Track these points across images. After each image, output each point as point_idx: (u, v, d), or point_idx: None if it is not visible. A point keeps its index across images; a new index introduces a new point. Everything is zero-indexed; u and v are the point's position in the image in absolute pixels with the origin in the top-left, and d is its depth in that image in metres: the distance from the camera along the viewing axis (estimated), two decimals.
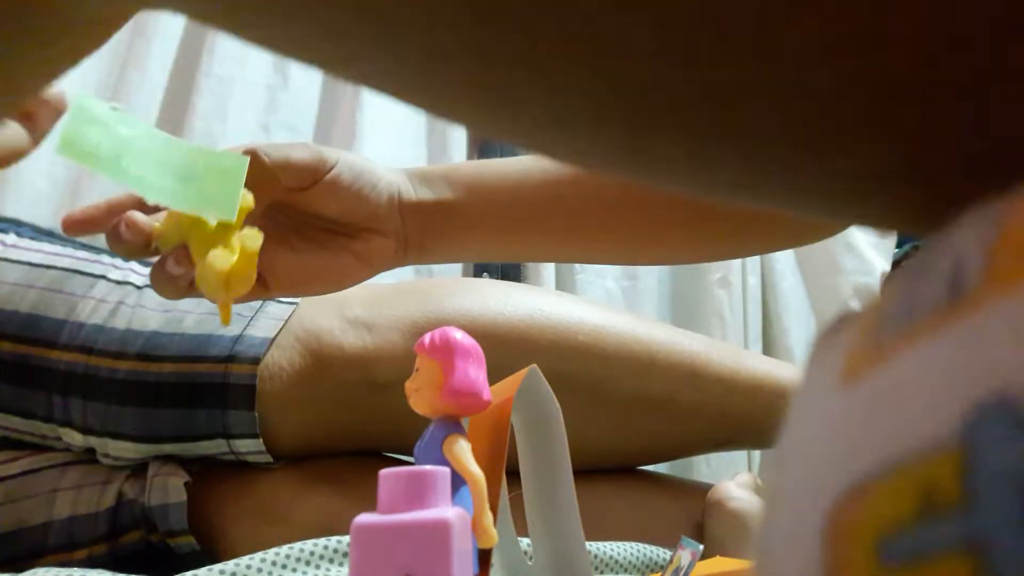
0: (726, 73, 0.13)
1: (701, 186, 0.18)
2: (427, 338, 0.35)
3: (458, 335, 0.35)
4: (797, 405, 0.14)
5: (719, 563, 0.50)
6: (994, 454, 0.09)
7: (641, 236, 0.59)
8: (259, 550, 0.53)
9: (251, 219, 0.47)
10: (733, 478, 0.79)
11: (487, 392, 0.35)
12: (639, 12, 0.13)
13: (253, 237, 0.45)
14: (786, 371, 0.84)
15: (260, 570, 0.52)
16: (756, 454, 1.17)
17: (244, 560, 0.52)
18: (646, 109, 0.15)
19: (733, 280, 1.25)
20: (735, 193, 0.18)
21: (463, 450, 0.34)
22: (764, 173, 0.16)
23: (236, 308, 0.73)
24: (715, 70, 0.13)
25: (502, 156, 0.66)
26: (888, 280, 0.14)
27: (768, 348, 1.27)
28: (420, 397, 0.35)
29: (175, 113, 1.13)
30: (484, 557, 0.34)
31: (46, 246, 0.76)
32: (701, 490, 0.80)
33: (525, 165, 0.58)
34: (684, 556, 0.39)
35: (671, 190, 0.18)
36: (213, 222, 0.43)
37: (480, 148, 1.20)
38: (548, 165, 0.56)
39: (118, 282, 0.74)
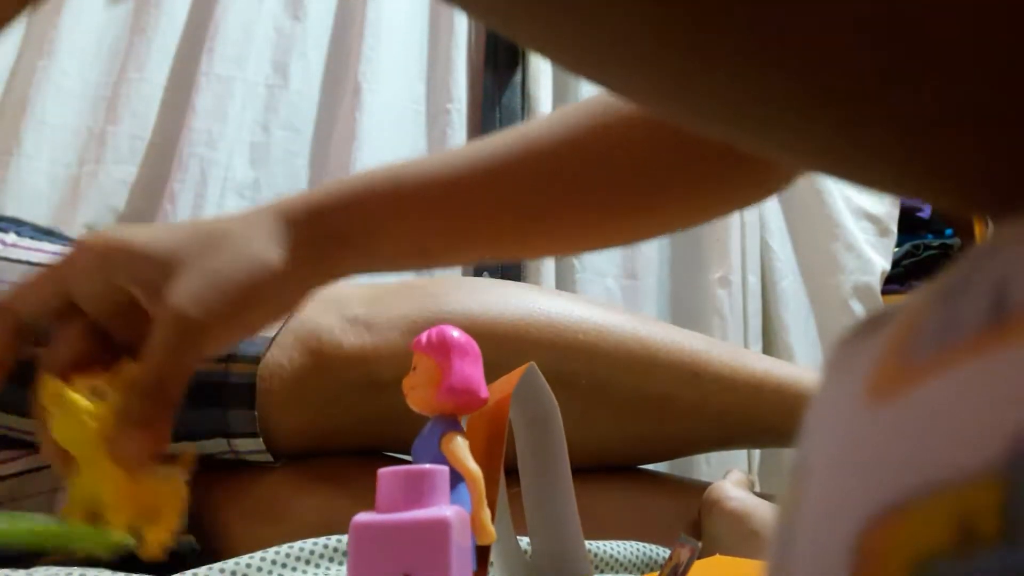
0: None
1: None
2: (424, 336, 0.35)
3: (455, 333, 0.35)
4: (818, 415, 0.13)
5: (719, 562, 0.50)
6: None
7: (640, 206, 0.53)
8: (259, 549, 0.53)
9: None
10: (725, 477, 0.79)
11: (484, 390, 0.35)
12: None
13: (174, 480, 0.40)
14: (786, 370, 0.84)
15: (260, 569, 0.52)
16: (756, 453, 1.17)
17: (244, 559, 0.52)
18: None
19: (733, 279, 1.25)
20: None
21: (460, 448, 0.34)
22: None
23: None
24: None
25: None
26: (918, 291, 0.14)
27: (768, 347, 1.27)
28: (417, 395, 0.35)
29: (175, 113, 1.13)
30: (482, 554, 0.34)
31: (46, 245, 0.76)
32: (700, 489, 0.80)
33: (459, 159, 0.50)
34: (683, 553, 0.39)
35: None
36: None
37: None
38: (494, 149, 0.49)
39: None
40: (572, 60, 0.18)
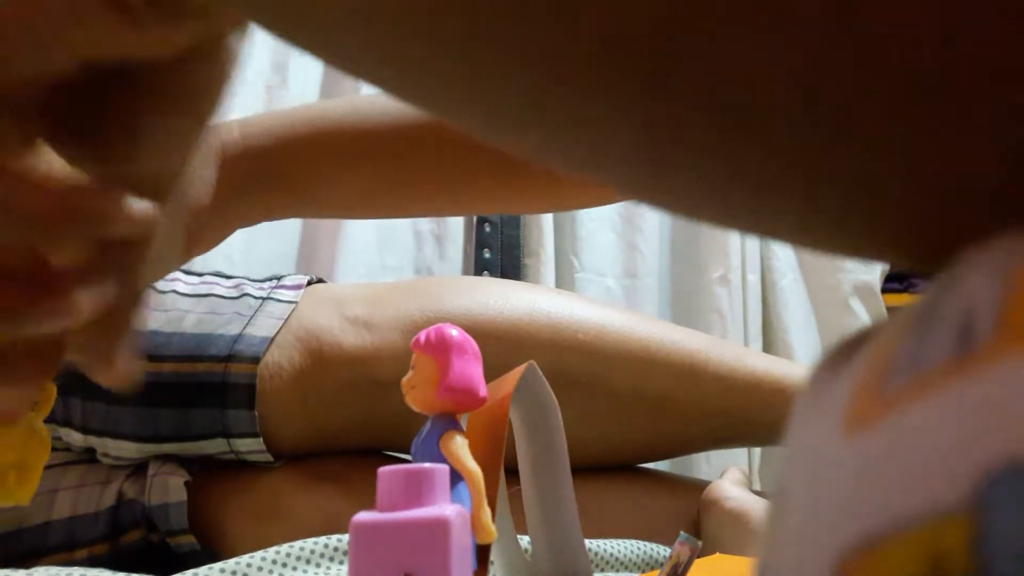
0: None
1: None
2: (423, 335, 0.35)
3: (454, 332, 0.35)
4: (795, 444, 0.13)
5: (720, 561, 0.50)
6: (1006, 524, 0.09)
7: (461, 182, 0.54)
8: (260, 549, 0.53)
9: None
10: (722, 476, 0.79)
11: (484, 389, 0.35)
12: None
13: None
14: (786, 369, 0.85)
15: (261, 569, 0.52)
16: (756, 452, 1.17)
17: (245, 559, 0.52)
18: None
19: (733, 278, 1.25)
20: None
21: (460, 447, 0.34)
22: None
23: (235, 307, 0.73)
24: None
25: None
26: (895, 317, 0.14)
27: (768, 346, 1.27)
28: (416, 394, 0.35)
29: None
30: (482, 553, 0.34)
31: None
32: (700, 488, 0.80)
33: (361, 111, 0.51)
34: (683, 552, 0.39)
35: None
36: None
37: None
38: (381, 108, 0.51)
39: None
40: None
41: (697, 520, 0.76)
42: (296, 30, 0.18)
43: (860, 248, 0.16)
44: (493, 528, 0.33)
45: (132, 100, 0.25)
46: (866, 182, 0.13)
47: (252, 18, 0.20)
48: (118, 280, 0.27)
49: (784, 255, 1.32)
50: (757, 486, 1.13)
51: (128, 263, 0.27)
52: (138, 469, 0.72)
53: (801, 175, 0.14)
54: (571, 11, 0.13)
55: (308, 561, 0.54)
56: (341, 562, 0.55)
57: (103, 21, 0.22)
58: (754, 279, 1.28)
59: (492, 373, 0.37)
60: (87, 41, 0.23)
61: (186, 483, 0.70)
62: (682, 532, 0.40)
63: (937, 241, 0.13)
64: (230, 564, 0.52)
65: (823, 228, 0.15)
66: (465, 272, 1.17)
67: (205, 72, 0.26)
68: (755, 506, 0.70)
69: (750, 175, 0.14)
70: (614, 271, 1.24)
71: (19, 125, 0.24)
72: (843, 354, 0.14)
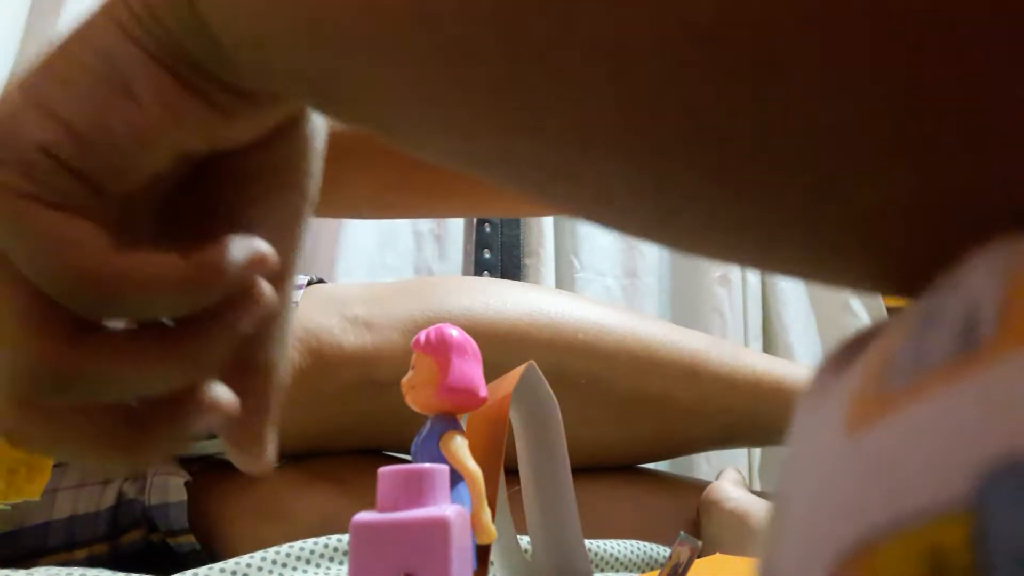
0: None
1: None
2: (423, 335, 0.35)
3: (454, 332, 0.35)
4: (797, 444, 0.13)
5: (720, 561, 0.50)
6: (1005, 521, 0.09)
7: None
8: (260, 549, 0.53)
9: None
10: (719, 477, 0.79)
11: (483, 389, 0.35)
12: None
13: None
14: (786, 368, 0.85)
15: (261, 568, 0.52)
16: (756, 452, 1.17)
17: (245, 559, 0.52)
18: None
19: (733, 278, 1.25)
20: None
21: (460, 447, 0.34)
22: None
23: None
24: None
25: None
26: (896, 316, 0.14)
27: (768, 346, 1.27)
28: (417, 394, 0.35)
29: None
30: (482, 553, 0.34)
31: None
32: (700, 488, 0.80)
33: None
34: (683, 552, 0.39)
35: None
36: None
37: None
38: None
39: None
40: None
41: (697, 520, 0.76)
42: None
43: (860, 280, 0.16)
44: (493, 528, 0.33)
45: (227, 188, 0.27)
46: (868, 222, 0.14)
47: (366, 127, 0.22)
48: (252, 353, 0.28)
49: None
50: (757, 486, 1.13)
51: (260, 336, 0.28)
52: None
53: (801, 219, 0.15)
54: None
55: (308, 561, 0.54)
56: (341, 562, 0.55)
57: (198, 118, 0.24)
58: (754, 279, 1.28)
59: (491, 373, 0.37)
60: (184, 139, 0.24)
61: (186, 483, 0.70)
62: (682, 532, 0.40)
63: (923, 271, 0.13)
64: (230, 564, 0.52)
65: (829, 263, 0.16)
66: (465, 272, 1.17)
67: (289, 147, 0.27)
68: (756, 506, 0.70)
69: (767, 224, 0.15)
70: (614, 271, 1.24)
71: (131, 228, 0.26)
72: (845, 354, 0.14)
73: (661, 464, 0.93)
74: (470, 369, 0.35)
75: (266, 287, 0.26)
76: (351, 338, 0.71)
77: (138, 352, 0.24)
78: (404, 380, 0.35)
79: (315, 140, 0.28)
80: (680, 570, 0.39)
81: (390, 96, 0.20)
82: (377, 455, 0.77)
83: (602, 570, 0.63)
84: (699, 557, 0.41)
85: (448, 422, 0.35)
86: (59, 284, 0.23)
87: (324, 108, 0.24)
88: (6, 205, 0.22)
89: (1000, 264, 0.11)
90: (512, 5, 0.15)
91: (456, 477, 0.33)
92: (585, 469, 0.69)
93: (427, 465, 0.29)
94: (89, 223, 0.23)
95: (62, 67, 0.23)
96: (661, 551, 0.66)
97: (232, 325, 0.25)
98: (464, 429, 0.35)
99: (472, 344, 0.35)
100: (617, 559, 0.64)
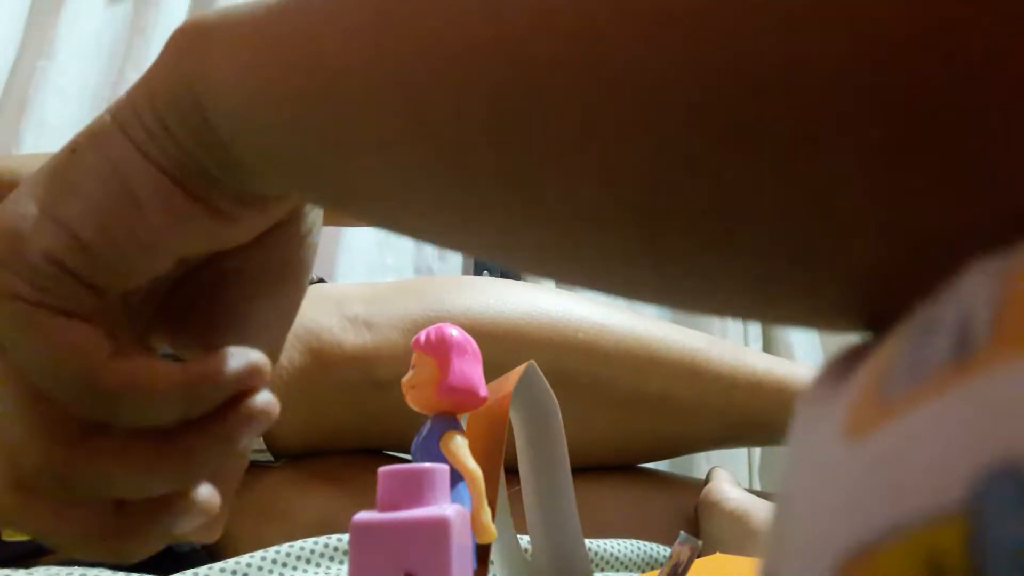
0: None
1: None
2: (423, 335, 0.35)
3: (454, 331, 0.35)
4: (799, 449, 0.13)
5: (720, 561, 0.50)
6: (1001, 525, 0.09)
7: None
8: (260, 548, 0.53)
9: None
10: (711, 479, 0.79)
11: (484, 388, 0.35)
12: None
13: None
14: (786, 369, 0.85)
15: (261, 568, 0.52)
16: (756, 451, 1.17)
17: (245, 558, 0.52)
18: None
19: None
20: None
21: (460, 446, 0.34)
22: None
23: None
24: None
25: None
26: (896, 327, 0.14)
27: (768, 346, 1.27)
28: (417, 394, 0.35)
29: None
30: (483, 553, 0.34)
31: None
32: (700, 488, 0.80)
33: None
34: (683, 552, 0.39)
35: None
36: None
37: None
38: None
39: None
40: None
41: (696, 520, 0.76)
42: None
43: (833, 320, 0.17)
44: (493, 528, 0.33)
45: (226, 282, 0.28)
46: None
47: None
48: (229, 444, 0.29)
49: None
50: (757, 486, 1.13)
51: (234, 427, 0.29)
52: None
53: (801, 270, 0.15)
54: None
55: (308, 561, 0.54)
56: (341, 562, 0.55)
57: (201, 226, 0.25)
58: None
59: (491, 372, 0.37)
60: (185, 243, 0.25)
61: None
62: (682, 532, 0.40)
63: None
64: (230, 564, 0.52)
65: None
66: (465, 272, 1.17)
67: (287, 244, 0.28)
68: (755, 506, 0.70)
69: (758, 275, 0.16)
70: None
71: (131, 324, 0.27)
72: (844, 362, 0.14)
73: (661, 464, 0.93)
74: (470, 369, 0.35)
75: (261, 400, 0.26)
76: (351, 338, 0.71)
77: (137, 459, 0.25)
78: (404, 380, 0.35)
79: (312, 235, 0.29)
80: (680, 570, 0.39)
81: (397, 195, 0.21)
82: (377, 455, 0.77)
83: (602, 570, 0.63)
84: (699, 557, 0.41)
85: (448, 422, 0.35)
86: (61, 389, 0.24)
87: (331, 206, 0.25)
88: (12, 311, 0.23)
89: (995, 272, 0.11)
90: (504, 111, 0.16)
91: (456, 477, 0.33)
92: (585, 469, 0.69)
93: (427, 465, 0.29)
94: (91, 329, 0.24)
95: (72, 175, 0.24)
96: (661, 551, 0.66)
97: (228, 439, 0.26)
98: (464, 429, 0.35)
99: (472, 344, 0.35)
100: (617, 559, 0.64)
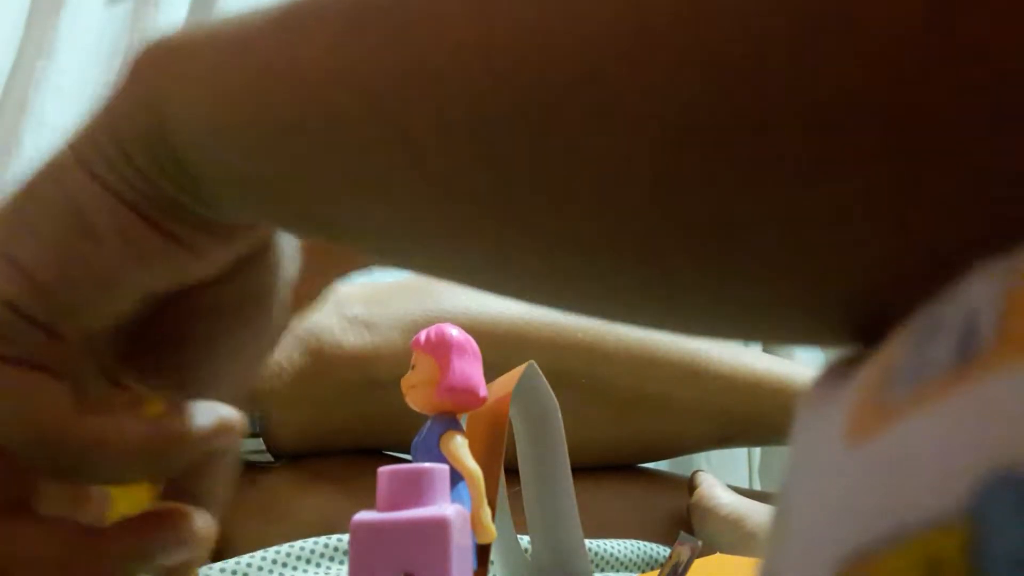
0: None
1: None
2: (423, 335, 0.35)
3: (454, 331, 0.35)
4: (799, 452, 0.13)
5: (720, 561, 0.50)
6: (1001, 532, 0.09)
7: None
8: (260, 548, 0.53)
9: None
10: (697, 484, 0.78)
11: (483, 388, 0.35)
12: None
13: None
14: (786, 369, 0.85)
15: (261, 568, 0.52)
16: (756, 452, 1.17)
17: (245, 558, 0.52)
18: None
19: None
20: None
21: (460, 446, 0.34)
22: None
23: None
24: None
25: None
26: (900, 329, 0.14)
27: (768, 346, 1.27)
28: (416, 394, 0.35)
29: None
30: (482, 552, 0.34)
31: None
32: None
33: None
34: (683, 552, 0.39)
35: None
36: None
37: None
38: None
39: None
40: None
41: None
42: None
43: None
44: (493, 528, 0.33)
45: (198, 320, 0.26)
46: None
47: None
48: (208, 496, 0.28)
49: None
50: (757, 486, 1.13)
51: (213, 476, 0.28)
52: None
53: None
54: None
55: (308, 561, 0.54)
56: (341, 562, 0.55)
57: (164, 259, 0.23)
58: None
59: (491, 373, 0.37)
60: (147, 277, 0.24)
61: None
62: (682, 532, 0.40)
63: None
64: (230, 564, 0.52)
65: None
66: None
67: (257, 277, 0.26)
68: (750, 510, 0.70)
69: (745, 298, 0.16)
70: None
71: (98, 364, 0.25)
72: (846, 365, 0.14)
73: (661, 464, 0.93)
74: (470, 369, 0.35)
75: (201, 525, 0.26)
76: (351, 338, 0.71)
77: (53, 548, 0.23)
78: (404, 379, 0.35)
79: (282, 268, 0.27)
80: (680, 570, 0.39)
81: (377, 221, 0.20)
82: (377, 455, 0.77)
83: (602, 570, 0.63)
84: (699, 557, 0.41)
85: (448, 422, 0.35)
86: (23, 447, 0.22)
87: (304, 233, 0.24)
88: None
89: (999, 276, 0.11)
90: (490, 133, 0.16)
91: (456, 477, 0.33)
92: (585, 469, 0.69)
93: (427, 465, 0.29)
94: (54, 382, 0.22)
95: (29, 211, 0.23)
96: (661, 551, 0.66)
97: (149, 553, 0.25)
98: (464, 429, 0.35)
99: (472, 344, 0.35)
100: (617, 559, 0.64)
